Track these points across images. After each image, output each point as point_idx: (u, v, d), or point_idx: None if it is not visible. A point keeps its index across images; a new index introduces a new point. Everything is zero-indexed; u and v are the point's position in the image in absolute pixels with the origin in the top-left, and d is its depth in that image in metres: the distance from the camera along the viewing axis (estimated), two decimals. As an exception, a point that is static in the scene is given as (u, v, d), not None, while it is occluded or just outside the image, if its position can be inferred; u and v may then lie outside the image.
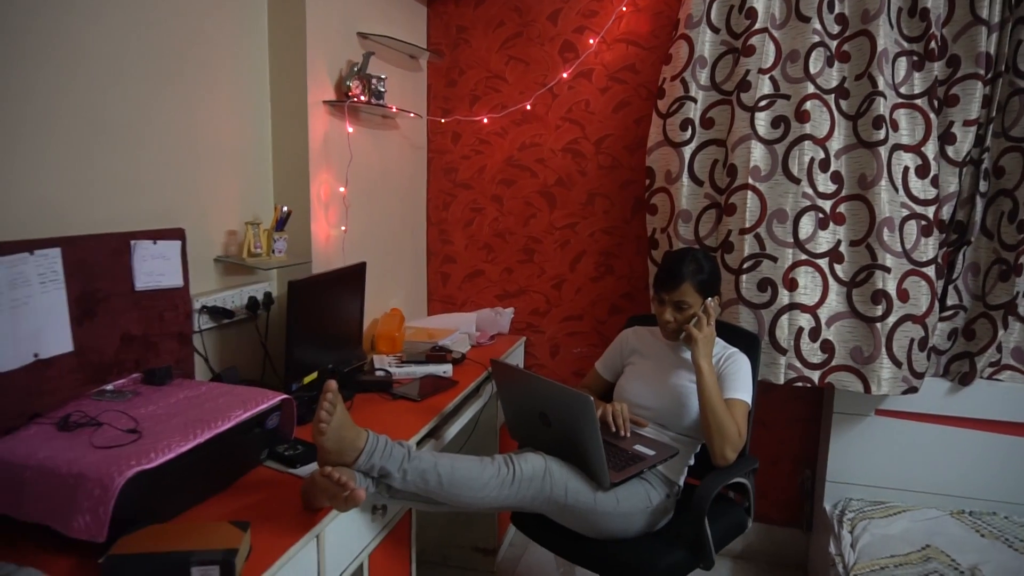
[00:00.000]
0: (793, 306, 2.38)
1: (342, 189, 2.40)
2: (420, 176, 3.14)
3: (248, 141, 2.21)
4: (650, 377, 2.16)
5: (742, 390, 1.99)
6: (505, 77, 3.01)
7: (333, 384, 1.43)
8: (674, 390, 2.08)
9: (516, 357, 3.03)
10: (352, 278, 2.36)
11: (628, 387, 2.19)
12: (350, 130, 2.39)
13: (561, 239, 3.03)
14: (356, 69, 2.39)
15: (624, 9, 2.82)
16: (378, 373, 2.40)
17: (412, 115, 2.74)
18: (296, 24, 2.23)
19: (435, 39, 3.08)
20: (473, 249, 3.16)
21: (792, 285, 2.38)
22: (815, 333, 2.39)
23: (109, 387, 1.65)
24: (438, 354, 2.57)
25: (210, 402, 1.61)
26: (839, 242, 2.40)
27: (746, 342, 2.20)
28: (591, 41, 2.86)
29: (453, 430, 2.18)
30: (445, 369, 2.44)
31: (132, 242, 1.74)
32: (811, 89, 2.38)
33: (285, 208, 2.19)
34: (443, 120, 3.08)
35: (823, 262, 2.39)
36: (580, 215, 2.99)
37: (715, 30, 2.57)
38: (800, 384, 2.40)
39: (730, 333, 2.23)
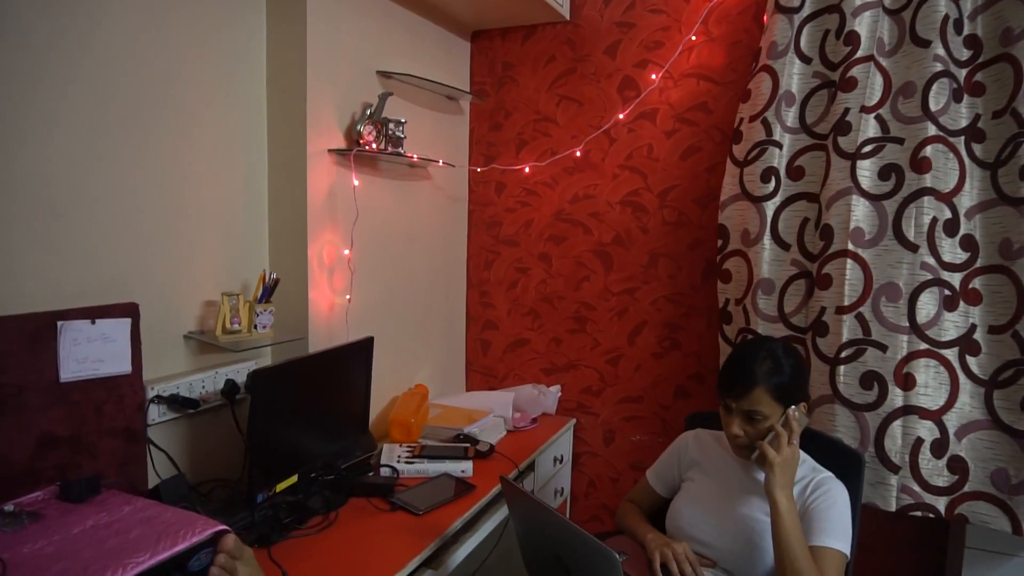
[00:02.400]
0: (909, 410, 1.83)
1: (347, 251, 2.05)
2: (459, 231, 2.78)
3: (238, 196, 1.91)
4: (713, 503, 1.66)
5: (835, 535, 1.47)
6: (556, 119, 2.62)
7: (229, 541, 1.03)
8: (743, 524, 1.58)
9: (563, 444, 2.57)
10: (353, 356, 1.99)
11: (685, 514, 1.69)
12: (356, 183, 2.05)
13: (618, 306, 2.58)
14: (369, 113, 2.06)
15: (694, 39, 2.38)
16: (383, 471, 2.01)
17: (440, 163, 2.38)
18: (295, 61, 1.92)
19: (479, 78, 2.74)
20: (517, 315, 2.75)
21: (907, 382, 1.83)
22: (940, 447, 1.82)
23: (9, 506, 1.33)
24: (459, 445, 2.16)
25: (117, 537, 1.25)
26: (973, 327, 1.83)
27: (844, 463, 1.66)
28: (654, 77, 2.43)
29: (461, 554, 1.75)
30: (464, 468, 2.02)
31: (59, 323, 1.43)
32: (932, 131, 1.86)
33: (272, 275, 1.86)
34: (479, 169, 2.72)
35: (950, 353, 1.83)
36: (640, 279, 2.54)
37: (806, 60, 2.09)
38: (919, 514, 1.83)
39: (822, 448, 1.70)
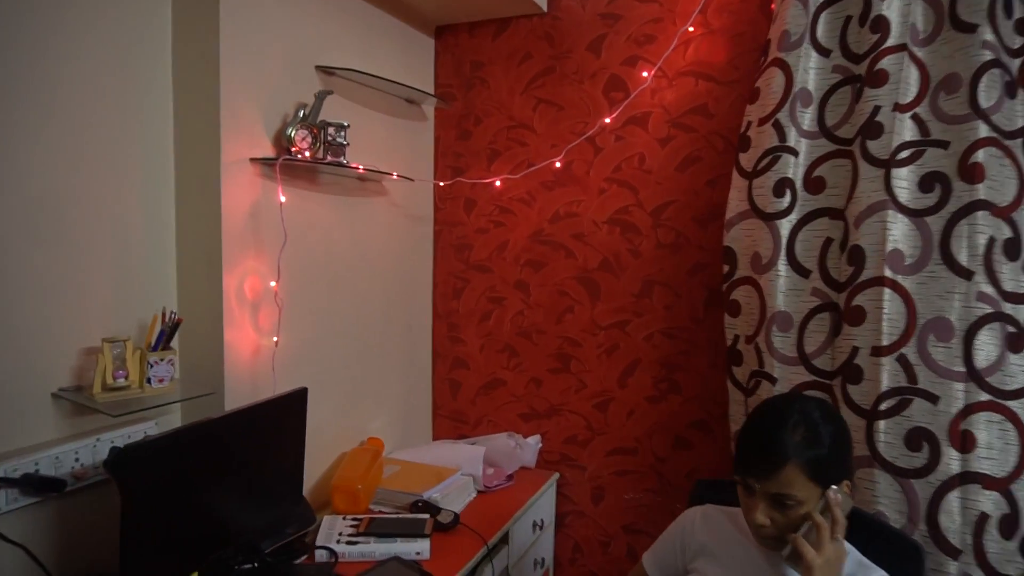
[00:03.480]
0: (969, 477, 1.47)
1: (273, 284, 1.68)
2: (423, 255, 2.42)
3: (134, 215, 1.54)
4: (728, 607, 1.28)
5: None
6: (532, 126, 2.27)
7: None
8: (770, 640, 1.20)
9: (545, 504, 2.19)
10: (280, 412, 1.61)
11: (692, 619, 1.31)
12: (283, 199, 1.68)
13: (607, 342, 2.21)
14: (302, 115, 1.70)
15: (691, 30, 2.04)
16: (318, 553, 1.62)
17: (394, 176, 2.02)
18: (206, 50, 1.56)
19: (444, 80, 2.39)
20: (491, 351, 2.38)
21: (965, 442, 1.48)
22: (1010, 525, 1.46)
23: None
24: (416, 517, 1.78)
25: None
26: (1046, 373, 1.48)
27: (896, 552, 1.30)
28: (645, 75, 2.09)
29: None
30: (419, 550, 1.65)
31: None
32: (984, 131, 1.52)
33: (173, 314, 1.49)
34: (442, 184, 2.36)
35: (1018, 406, 1.48)
36: (632, 310, 2.17)
37: (824, 52, 1.75)
38: (987, 610, 1.46)
39: (866, 532, 1.33)
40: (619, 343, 2.20)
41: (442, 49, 2.39)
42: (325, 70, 1.85)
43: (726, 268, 1.87)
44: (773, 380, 1.76)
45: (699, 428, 2.11)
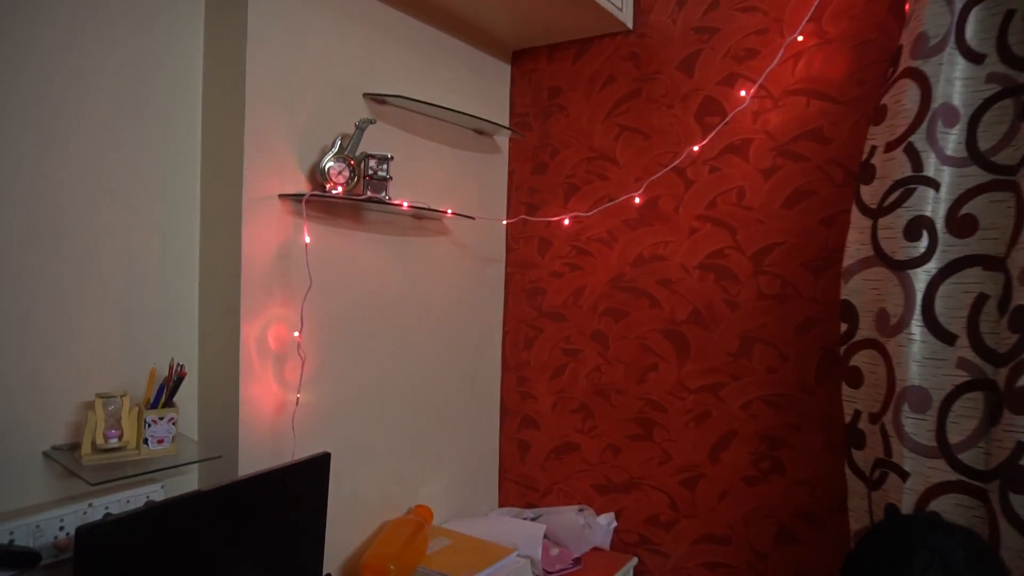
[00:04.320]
0: None
1: (296, 334, 1.50)
2: (493, 300, 2.19)
3: (151, 257, 1.42)
4: None
5: None
6: (615, 157, 2.00)
7: None
8: None
9: (617, 595, 1.86)
10: (293, 483, 1.41)
11: None
12: (307, 239, 1.51)
13: (697, 408, 1.88)
14: (338, 147, 1.53)
15: (800, 40, 1.71)
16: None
17: (449, 214, 1.81)
18: (233, 73, 1.43)
19: (520, 108, 2.18)
20: (563, 411, 2.10)
21: None
22: None
23: None
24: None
25: None
26: None
27: None
28: (743, 94, 1.77)
29: None
30: (446, 655, 1.38)
31: None
32: None
33: (179, 365, 1.34)
34: (504, 222, 2.13)
35: None
36: (728, 372, 1.83)
37: (975, 58, 1.38)
38: None
39: None
40: (711, 410, 1.86)
41: (519, 75, 2.19)
42: (375, 98, 1.69)
43: (844, 327, 1.51)
44: (904, 474, 1.37)
45: (809, 520, 1.72)
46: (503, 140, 2.18)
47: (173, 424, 1.32)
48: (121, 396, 1.27)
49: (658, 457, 1.94)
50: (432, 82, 1.88)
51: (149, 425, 1.29)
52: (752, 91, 1.76)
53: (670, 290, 1.92)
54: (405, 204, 1.62)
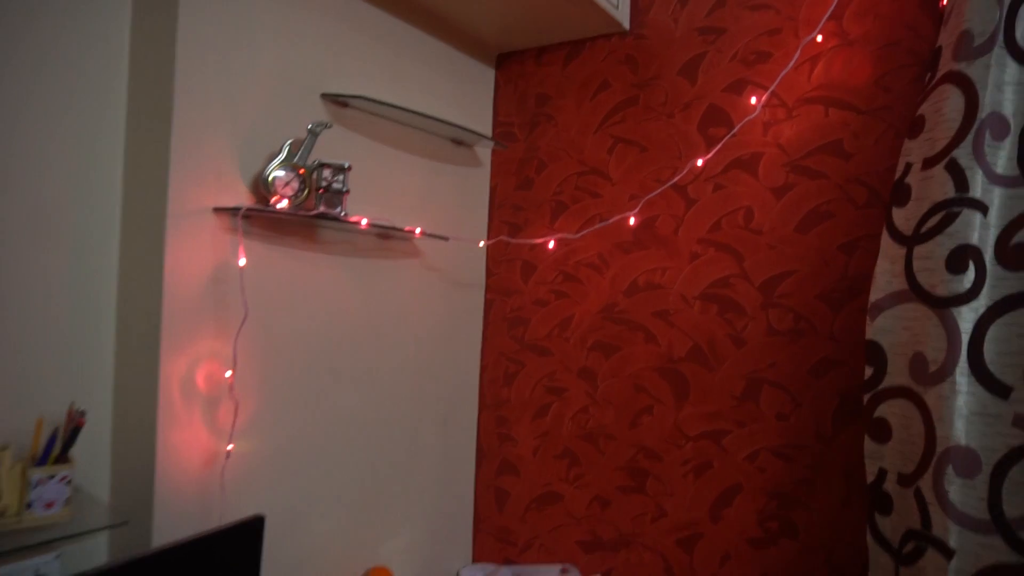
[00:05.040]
0: None
1: (228, 373, 1.27)
2: (469, 331, 1.96)
3: (58, 278, 1.19)
4: None
5: None
6: (607, 172, 1.80)
7: None
8: None
9: (603, 672, 1.62)
10: (219, 553, 1.17)
11: None
12: (242, 261, 1.28)
13: (696, 458, 1.65)
14: (287, 154, 1.31)
15: (819, 40, 1.51)
16: None
17: (418, 234, 1.59)
18: (160, 65, 1.22)
19: (505, 117, 1.97)
20: (547, 456, 1.87)
21: None
22: None
23: None
24: None
25: None
26: None
27: None
28: (753, 101, 1.57)
29: None
30: None
31: None
32: None
33: (78, 411, 1.11)
34: (481, 244, 1.91)
35: None
36: (732, 418, 1.61)
37: (1028, 60, 1.18)
38: None
39: None
40: (712, 460, 1.63)
41: (503, 80, 1.98)
42: (335, 99, 1.47)
43: (869, 371, 1.29)
44: (948, 552, 1.14)
45: (826, 593, 1.49)
46: (485, 152, 1.97)
47: (67, 483, 1.08)
48: (0, 450, 1.04)
49: (652, 512, 1.71)
50: (404, 84, 1.67)
51: (35, 485, 1.05)
52: (763, 99, 1.55)
53: (668, 323, 1.70)
54: (365, 222, 1.40)
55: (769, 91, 1.55)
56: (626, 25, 1.76)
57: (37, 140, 1.16)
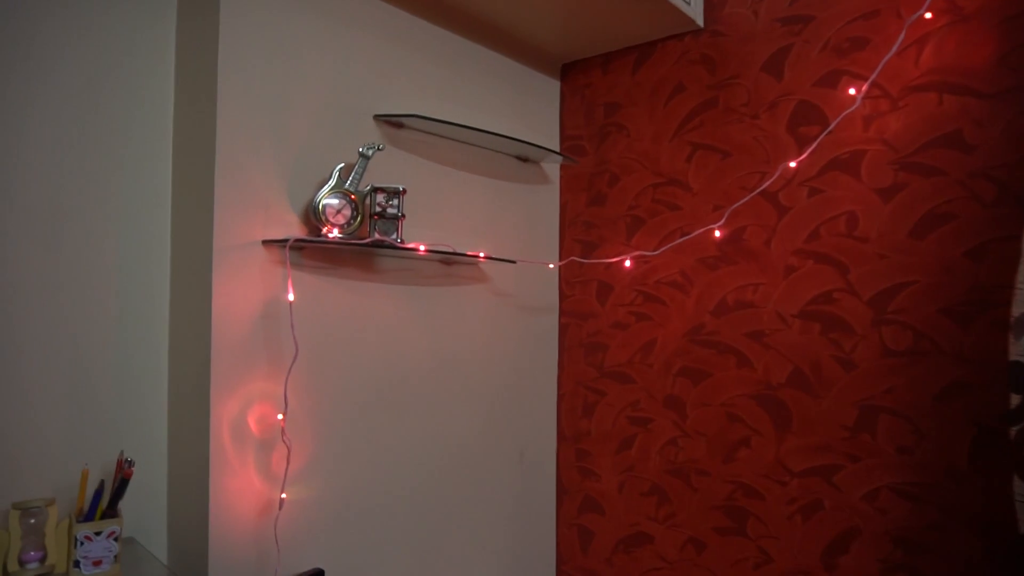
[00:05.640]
0: None
1: (280, 416, 1.19)
2: (544, 357, 1.84)
3: (105, 318, 1.15)
4: None
5: None
6: (686, 182, 1.65)
7: None
8: None
9: None
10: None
11: None
12: (291, 297, 1.20)
13: (803, 497, 1.46)
14: (336, 179, 1.24)
15: (928, 16, 1.32)
16: None
17: (482, 257, 1.48)
18: (203, 94, 1.17)
19: (572, 130, 1.86)
20: (632, 493, 1.72)
21: None
22: None
23: None
24: None
25: None
26: None
27: None
28: (852, 92, 1.39)
29: None
30: None
31: None
32: None
33: (127, 461, 1.05)
34: (552, 265, 1.79)
35: None
36: (843, 451, 1.41)
37: None
38: None
39: None
40: (823, 499, 1.44)
41: (569, 92, 1.87)
42: (389, 120, 1.40)
43: (1016, 399, 1.08)
44: None
45: (970, 659, 1.27)
46: (553, 168, 1.85)
47: (115, 540, 1.02)
48: (46, 505, 0.99)
49: (754, 558, 1.52)
50: (464, 101, 1.58)
51: (81, 543, 1.00)
52: (863, 89, 1.37)
53: (763, 345, 1.52)
54: (422, 248, 1.31)
55: (869, 81, 1.36)
56: (700, 22, 1.62)
57: (85, 177, 1.14)
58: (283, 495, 1.18)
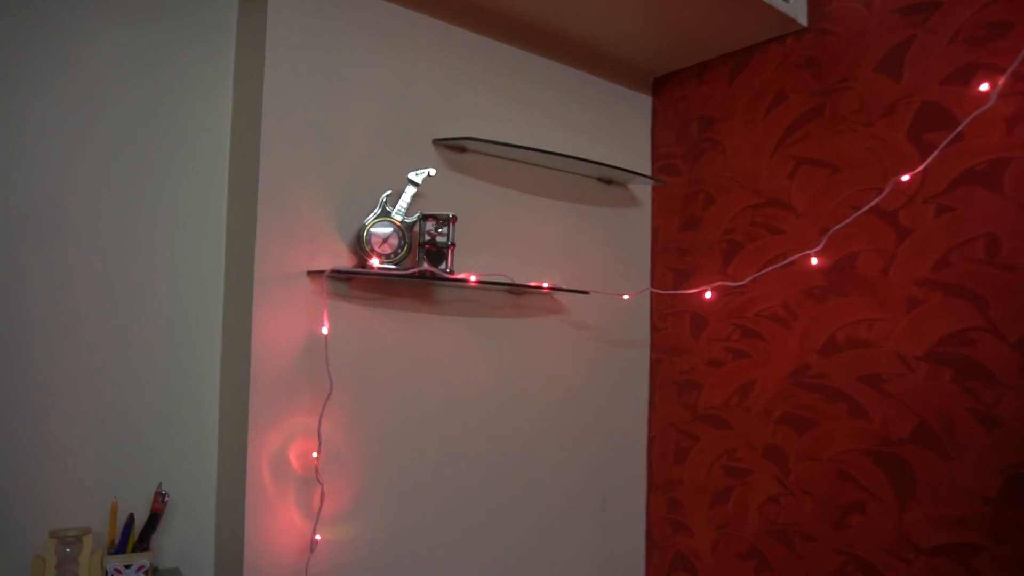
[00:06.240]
0: None
1: (315, 454, 1.14)
2: (632, 395, 1.69)
3: (155, 348, 1.17)
4: None
5: None
6: (789, 201, 1.45)
7: None
8: None
9: None
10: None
11: None
12: (325, 331, 1.15)
13: (932, 578, 1.20)
14: (381, 208, 1.19)
15: (1087, -10, 1.06)
16: None
17: (545, 289, 1.38)
18: (250, 120, 1.17)
19: (664, 148, 1.71)
20: (728, 554, 1.51)
21: None
22: None
23: None
24: None
25: None
26: None
27: None
28: (985, 88, 1.14)
29: None
30: None
31: None
32: None
33: (163, 494, 1.05)
34: (626, 297, 1.61)
35: None
36: (988, 528, 1.15)
37: None
38: None
39: None
40: (958, 586, 1.17)
41: (662, 107, 1.72)
42: (450, 144, 1.34)
43: None
44: None
45: None
46: (643, 190, 1.71)
47: (146, 574, 1.01)
48: (82, 535, 1.00)
49: (872, 647, 1.28)
50: (538, 122, 1.50)
51: (111, 575, 1.00)
52: (998, 83, 1.12)
53: (880, 392, 1.29)
54: (472, 278, 1.23)
55: (1009, 72, 1.11)
56: (803, 21, 1.43)
57: (142, 209, 1.16)
58: (316, 536, 1.13)
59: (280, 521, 1.13)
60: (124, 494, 1.10)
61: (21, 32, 1.06)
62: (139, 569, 1.01)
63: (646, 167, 1.71)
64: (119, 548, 1.02)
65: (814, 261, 1.31)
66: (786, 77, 1.47)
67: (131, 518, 1.04)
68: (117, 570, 1.00)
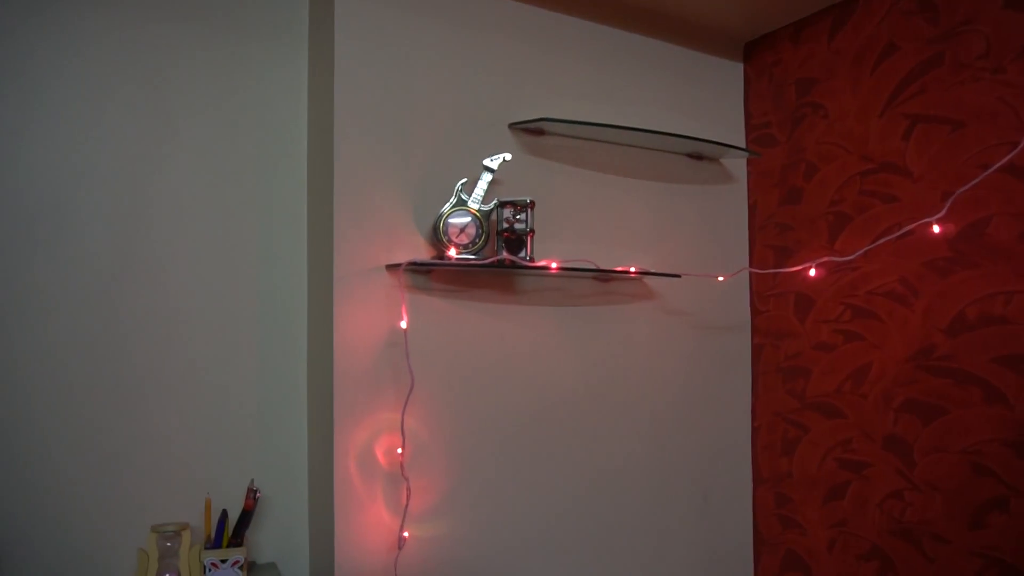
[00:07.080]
0: None
1: (399, 450, 1.12)
2: (734, 383, 1.58)
3: (247, 349, 1.19)
4: None
5: None
6: (904, 165, 1.30)
7: None
8: None
9: None
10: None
11: None
12: (404, 325, 1.13)
13: (1092, 587, 1.05)
14: (457, 197, 1.15)
15: None
16: None
17: (633, 273, 1.30)
18: (323, 115, 1.16)
19: (759, 117, 1.59)
20: (847, 554, 1.39)
21: None
22: None
23: None
24: None
25: None
26: None
27: None
28: None
29: None
30: None
31: None
32: None
33: (255, 491, 1.06)
34: (721, 278, 1.48)
35: None
36: None
37: None
38: None
39: None
40: None
41: (754, 74, 1.60)
42: (527, 128, 1.29)
43: None
44: None
45: None
46: (737, 163, 1.60)
47: (240, 569, 1.03)
48: (180, 530, 1.02)
49: (1020, 661, 1.13)
50: (619, 99, 1.42)
51: (208, 570, 1.02)
52: None
53: (1021, 375, 1.13)
54: (553, 266, 1.17)
55: None
56: (915, -40, 1.28)
57: (228, 211, 1.18)
58: (404, 533, 1.11)
59: (368, 517, 1.12)
60: (217, 491, 1.12)
61: (112, 44, 1.09)
62: (234, 564, 1.03)
63: (740, 139, 1.60)
64: (214, 543, 1.04)
65: (936, 229, 1.17)
66: (895, 26, 1.32)
67: (224, 514, 1.06)
68: (213, 564, 1.02)
